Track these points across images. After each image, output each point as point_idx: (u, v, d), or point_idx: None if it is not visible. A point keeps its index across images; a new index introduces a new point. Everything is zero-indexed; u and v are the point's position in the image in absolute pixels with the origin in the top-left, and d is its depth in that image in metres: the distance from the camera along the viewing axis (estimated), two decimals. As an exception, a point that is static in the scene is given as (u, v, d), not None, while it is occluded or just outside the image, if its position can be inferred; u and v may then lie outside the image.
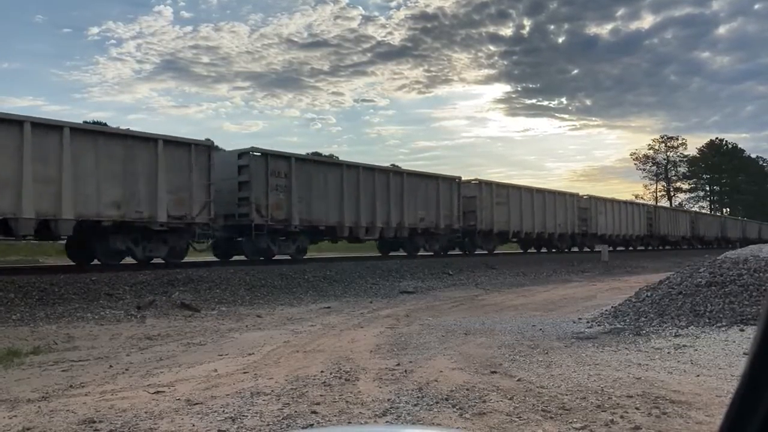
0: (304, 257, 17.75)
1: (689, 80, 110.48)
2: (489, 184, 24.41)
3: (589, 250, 30.68)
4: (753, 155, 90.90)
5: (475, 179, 24.20)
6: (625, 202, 35.94)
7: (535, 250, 28.01)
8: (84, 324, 8.34)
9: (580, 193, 30.88)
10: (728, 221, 54.88)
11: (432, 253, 21.86)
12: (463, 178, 23.23)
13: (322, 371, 5.12)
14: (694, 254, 31.37)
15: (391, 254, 21.99)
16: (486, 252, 24.48)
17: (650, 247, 38.42)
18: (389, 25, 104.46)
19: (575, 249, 30.22)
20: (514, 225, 25.03)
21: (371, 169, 19.08)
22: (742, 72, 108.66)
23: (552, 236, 27.63)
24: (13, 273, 11.29)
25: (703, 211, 72.92)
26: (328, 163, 18.63)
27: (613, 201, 33.87)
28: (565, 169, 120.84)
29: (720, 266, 8.84)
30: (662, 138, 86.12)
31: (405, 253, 21.27)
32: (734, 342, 6.19)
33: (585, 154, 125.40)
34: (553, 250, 28.28)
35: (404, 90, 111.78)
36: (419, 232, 20.96)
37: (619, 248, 34.03)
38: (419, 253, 21.40)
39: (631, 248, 35.76)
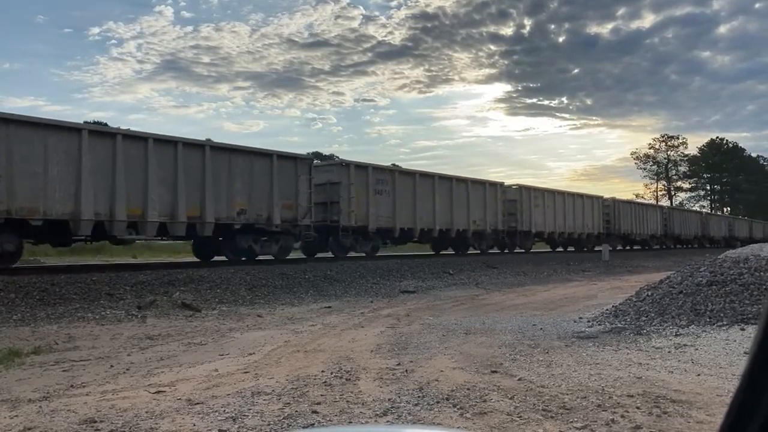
0: (18, 266, 12.28)
1: (690, 79, 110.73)
2: (363, 167, 18.72)
3: (522, 251, 25.97)
4: (754, 154, 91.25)
5: (341, 161, 19.60)
6: (573, 195, 29.61)
7: (452, 251, 23.56)
8: (85, 324, 8.34)
9: (506, 182, 25.51)
10: (711, 218, 50.35)
11: (272, 258, 16.54)
12: (319, 159, 18.35)
13: (322, 371, 5.12)
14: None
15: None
16: (364, 254, 19.18)
17: (610, 249, 32.32)
18: (390, 24, 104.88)
19: (506, 250, 25.48)
20: (402, 221, 19.62)
21: (140, 139, 13.48)
22: (742, 71, 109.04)
23: (464, 234, 22.53)
24: (13, 273, 11.27)
25: (704, 210, 72.82)
26: (53, 125, 12.23)
27: (555, 192, 27.96)
28: (566, 168, 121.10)
29: (720, 265, 8.84)
30: (663, 137, 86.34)
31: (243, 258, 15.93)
32: (735, 341, 6.19)
33: (586, 154, 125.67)
34: (476, 251, 23.70)
35: (405, 89, 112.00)
36: (237, 229, 15.40)
37: (569, 249, 29.29)
38: (258, 257, 16.12)
39: (585, 249, 30.00)
